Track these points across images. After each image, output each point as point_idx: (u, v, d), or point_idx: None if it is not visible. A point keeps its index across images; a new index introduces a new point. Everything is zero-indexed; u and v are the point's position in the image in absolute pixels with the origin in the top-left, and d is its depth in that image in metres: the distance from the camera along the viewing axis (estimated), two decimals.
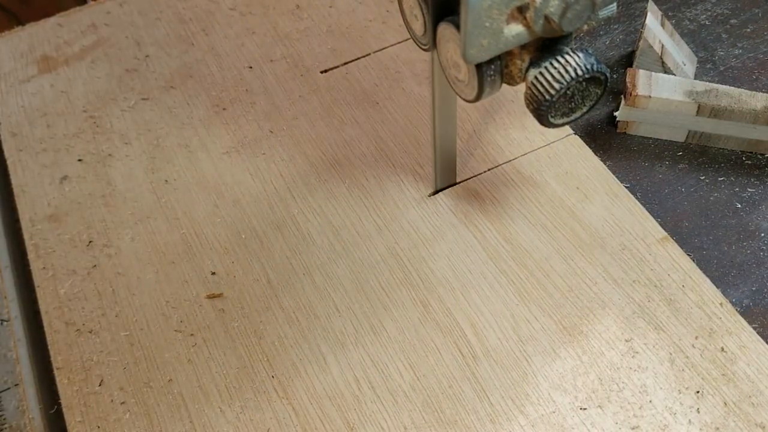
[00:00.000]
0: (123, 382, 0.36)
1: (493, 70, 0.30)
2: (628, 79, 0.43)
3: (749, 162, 0.43)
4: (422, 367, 0.35)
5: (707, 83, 0.42)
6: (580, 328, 0.36)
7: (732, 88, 0.42)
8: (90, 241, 0.41)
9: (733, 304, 0.36)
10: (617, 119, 0.44)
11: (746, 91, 0.42)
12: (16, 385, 0.39)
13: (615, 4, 0.29)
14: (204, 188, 0.43)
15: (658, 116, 0.43)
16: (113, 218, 0.42)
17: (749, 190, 0.41)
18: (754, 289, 0.37)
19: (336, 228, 0.41)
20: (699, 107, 0.41)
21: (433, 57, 0.34)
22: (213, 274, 0.39)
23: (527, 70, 0.30)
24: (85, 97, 0.48)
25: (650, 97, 0.42)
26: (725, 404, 0.33)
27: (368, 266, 0.39)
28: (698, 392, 0.33)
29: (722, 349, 0.35)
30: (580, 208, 0.40)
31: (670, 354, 0.35)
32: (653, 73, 0.43)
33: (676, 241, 0.39)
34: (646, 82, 0.42)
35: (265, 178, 0.43)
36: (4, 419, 0.38)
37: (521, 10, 0.28)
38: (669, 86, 0.42)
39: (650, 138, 0.44)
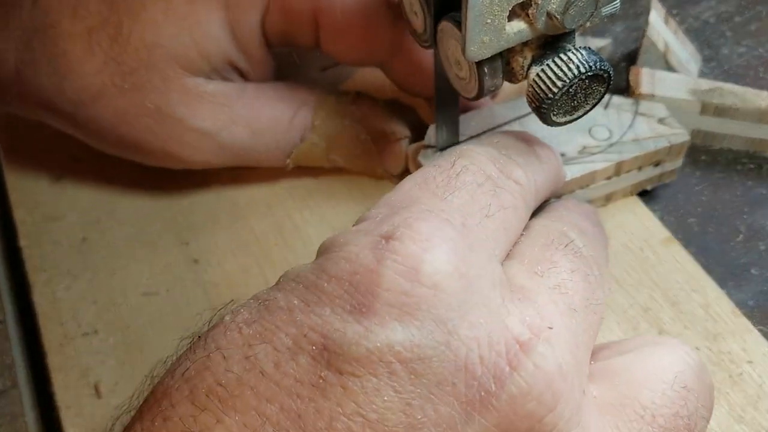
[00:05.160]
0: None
1: (495, 67, 0.29)
2: (631, 78, 0.42)
3: (754, 161, 0.42)
4: None
5: (711, 81, 0.42)
6: None
7: (736, 86, 0.41)
8: (84, 238, 0.40)
9: (738, 305, 0.36)
10: None
11: (751, 89, 0.41)
12: (12, 387, 0.39)
13: (618, 1, 0.29)
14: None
15: None
16: (109, 218, 0.41)
17: (754, 189, 0.41)
18: (759, 290, 0.37)
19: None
20: (703, 106, 0.41)
21: (434, 54, 0.34)
22: None
23: (529, 67, 0.29)
24: None
25: (654, 95, 0.41)
26: (731, 408, 0.33)
27: None
28: None
29: (727, 351, 0.34)
30: None
31: None
32: (657, 71, 0.42)
33: (680, 241, 0.38)
34: (649, 81, 0.42)
35: (262, 177, 0.43)
36: None
37: (523, 6, 0.28)
38: (673, 84, 0.42)
39: None
